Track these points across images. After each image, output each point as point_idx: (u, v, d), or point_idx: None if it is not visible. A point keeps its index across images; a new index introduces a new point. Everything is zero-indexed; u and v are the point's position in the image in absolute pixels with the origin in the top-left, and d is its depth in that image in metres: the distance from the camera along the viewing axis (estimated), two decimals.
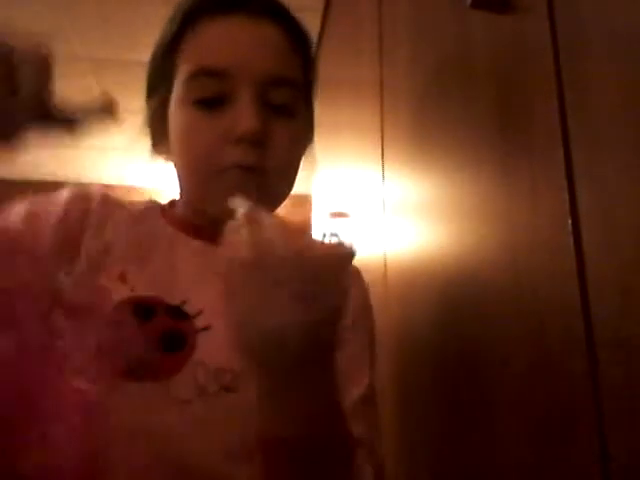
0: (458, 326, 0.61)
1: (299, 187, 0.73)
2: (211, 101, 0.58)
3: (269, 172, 0.58)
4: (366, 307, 0.65)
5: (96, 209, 0.61)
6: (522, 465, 0.46)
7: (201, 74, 0.58)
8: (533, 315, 0.45)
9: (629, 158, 0.35)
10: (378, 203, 0.99)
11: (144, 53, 0.76)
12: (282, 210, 0.69)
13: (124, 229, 0.61)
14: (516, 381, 0.47)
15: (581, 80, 0.40)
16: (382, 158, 0.97)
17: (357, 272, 0.67)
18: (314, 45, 0.66)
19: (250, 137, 0.56)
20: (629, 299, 0.34)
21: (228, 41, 0.58)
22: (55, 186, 0.62)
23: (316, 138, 0.75)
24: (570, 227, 0.40)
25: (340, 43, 1.60)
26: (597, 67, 0.38)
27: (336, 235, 0.40)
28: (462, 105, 0.61)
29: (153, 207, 0.67)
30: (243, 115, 0.56)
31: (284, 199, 0.66)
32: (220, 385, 0.52)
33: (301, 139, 0.63)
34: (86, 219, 0.60)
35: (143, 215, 0.65)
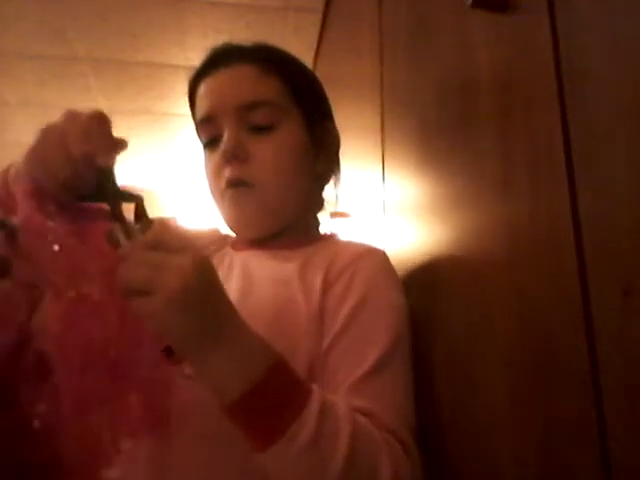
0: (457, 327, 0.61)
1: None
2: (212, 142, 0.72)
3: (257, 184, 0.68)
4: (376, 286, 0.65)
5: None
6: (523, 465, 0.46)
7: (199, 126, 0.74)
8: (534, 315, 0.45)
9: (630, 158, 0.35)
10: (378, 203, 0.99)
11: (144, 53, 0.77)
12: None
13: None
14: (516, 382, 0.47)
15: (581, 80, 0.40)
16: (382, 158, 0.96)
17: (363, 255, 0.68)
18: (297, 64, 0.76)
19: (228, 154, 0.68)
20: (629, 299, 0.34)
21: (209, 92, 0.72)
22: None
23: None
24: (570, 227, 0.40)
25: (340, 43, 1.60)
26: (597, 67, 0.38)
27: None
28: (462, 105, 0.61)
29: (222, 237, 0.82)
30: (224, 140, 0.69)
31: (288, 208, 0.73)
32: None
33: (289, 147, 0.70)
34: None
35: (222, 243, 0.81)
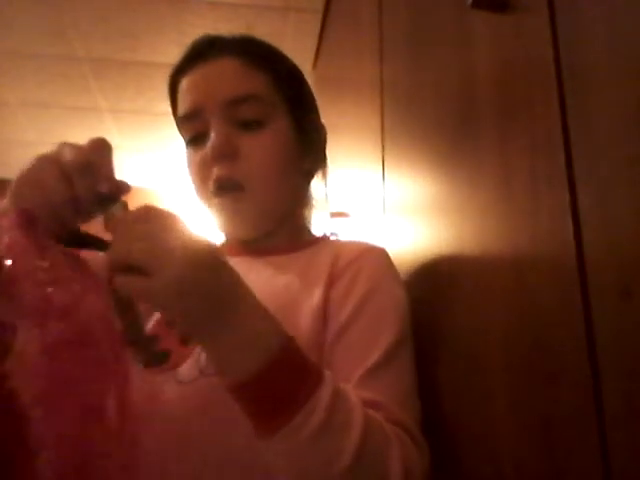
0: (458, 326, 0.61)
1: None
2: (196, 138, 0.68)
3: (248, 185, 0.66)
4: (379, 282, 0.65)
5: None
6: (523, 465, 0.46)
7: (182, 122, 0.70)
8: (534, 316, 0.45)
9: (630, 158, 0.35)
10: (378, 203, 0.99)
11: (144, 53, 0.77)
12: None
13: None
14: (516, 382, 0.47)
15: (581, 80, 0.40)
16: (382, 158, 0.97)
17: (365, 253, 0.68)
18: (282, 58, 0.74)
19: (217, 152, 0.65)
20: (629, 299, 0.34)
21: (194, 87, 0.69)
22: None
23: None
24: (570, 227, 0.40)
25: (340, 43, 1.60)
26: (597, 67, 0.38)
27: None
28: (462, 104, 0.61)
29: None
30: (211, 137, 0.66)
31: (279, 207, 0.71)
32: None
33: (278, 143, 0.69)
34: None
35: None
